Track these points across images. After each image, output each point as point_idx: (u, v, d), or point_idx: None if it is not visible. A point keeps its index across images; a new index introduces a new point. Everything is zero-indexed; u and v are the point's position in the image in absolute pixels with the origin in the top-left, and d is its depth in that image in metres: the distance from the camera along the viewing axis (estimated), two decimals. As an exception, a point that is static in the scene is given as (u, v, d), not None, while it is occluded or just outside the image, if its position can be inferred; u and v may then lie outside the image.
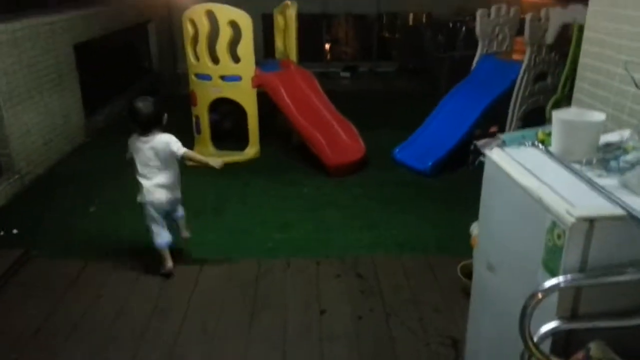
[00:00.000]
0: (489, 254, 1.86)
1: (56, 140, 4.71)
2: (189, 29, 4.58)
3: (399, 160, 4.67)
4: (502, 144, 2.17)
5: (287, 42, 5.07)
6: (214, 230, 3.58)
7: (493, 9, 4.77)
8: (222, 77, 4.61)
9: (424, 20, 8.80)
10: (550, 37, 4.40)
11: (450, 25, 7.46)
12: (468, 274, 2.72)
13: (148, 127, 2.99)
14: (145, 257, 3.14)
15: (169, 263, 3.00)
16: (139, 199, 3.02)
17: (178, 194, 3.12)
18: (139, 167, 3.01)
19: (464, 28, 7.24)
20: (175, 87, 7.88)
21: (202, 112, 4.79)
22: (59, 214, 3.77)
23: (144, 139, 2.98)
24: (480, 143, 2.26)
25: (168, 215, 3.11)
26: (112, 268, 3.08)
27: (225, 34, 4.45)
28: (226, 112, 5.19)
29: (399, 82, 7.98)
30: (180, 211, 3.23)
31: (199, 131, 4.90)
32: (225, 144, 4.94)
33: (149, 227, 3.02)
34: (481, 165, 2.26)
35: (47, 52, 4.56)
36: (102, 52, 5.98)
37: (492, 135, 4.55)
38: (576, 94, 3.13)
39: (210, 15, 4.47)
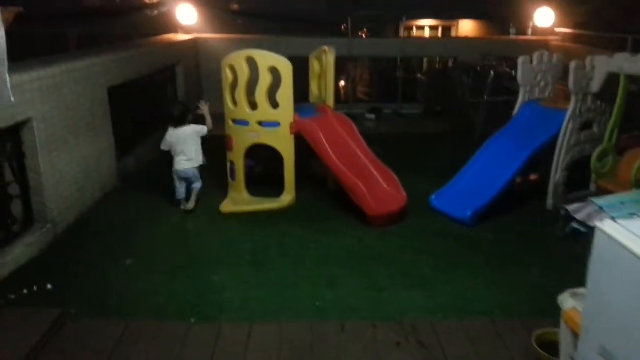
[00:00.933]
0: (604, 339, 1.66)
1: (88, 187, 4.60)
2: (228, 75, 4.53)
3: (435, 207, 4.51)
4: (600, 211, 2.01)
5: (324, 87, 5.00)
6: (256, 286, 3.40)
7: (535, 56, 4.70)
8: (260, 123, 4.52)
9: (449, 64, 8.80)
10: (596, 86, 4.30)
11: (479, 69, 7.43)
12: (544, 344, 2.50)
13: (179, 122, 4.52)
14: (186, 319, 2.97)
15: (186, 205, 4.56)
16: (172, 169, 4.54)
17: (197, 165, 4.56)
18: (172, 148, 4.51)
19: (492, 73, 7.19)
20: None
21: (237, 158, 4.68)
22: (94, 267, 3.61)
23: (176, 129, 4.50)
24: (572, 208, 2.11)
25: (189, 185, 4.59)
26: (156, 331, 2.89)
27: (265, 79, 4.39)
28: (261, 158, 5.08)
29: (425, 125, 7.90)
30: (197, 184, 4.62)
31: (233, 177, 4.78)
32: (259, 190, 4.81)
33: (174, 186, 4.58)
34: (574, 232, 2.10)
35: (83, 96, 4.51)
36: (133, 94, 5.96)
37: (534, 183, 4.36)
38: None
39: (250, 62, 4.42)
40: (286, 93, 4.42)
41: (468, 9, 17.98)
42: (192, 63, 8.22)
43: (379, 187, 4.43)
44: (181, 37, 8.11)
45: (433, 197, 4.62)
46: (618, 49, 6.45)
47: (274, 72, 4.39)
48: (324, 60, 4.92)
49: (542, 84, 4.80)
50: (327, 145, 4.39)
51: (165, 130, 4.54)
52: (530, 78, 4.76)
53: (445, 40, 11.60)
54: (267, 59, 4.37)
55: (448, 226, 4.27)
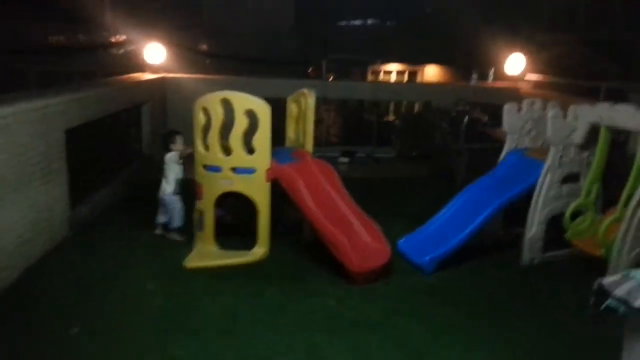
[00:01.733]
0: None
1: (37, 239, 4.10)
2: (200, 118, 4.20)
3: (401, 251, 4.30)
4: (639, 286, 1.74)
5: (302, 131, 4.72)
6: (223, 361, 2.96)
7: (525, 104, 4.57)
8: (234, 169, 4.18)
9: (416, 108, 8.76)
10: (579, 137, 4.15)
11: (453, 114, 7.36)
12: None
13: (162, 147, 4.71)
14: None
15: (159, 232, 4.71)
16: None
17: (169, 192, 4.58)
18: None
19: (466, 117, 7.12)
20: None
21: (207, 207, 4.30)
22: (34, 336, 3.09)
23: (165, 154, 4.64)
24: (608, 283, 1.83)
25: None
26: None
27: (240, 123, 4.07)
28: (231, 206, 4.71)
29: (401, 169, 7.70)
30: (172, 222, 4.63)
31: (201, 227, 4.37)
32: (227, 242, 4.40)
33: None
34: (610, 310, 1.82)
35: (37, 138, 4.07)
36: (92, 135, 5.53)
37: (517, 237, 4.00)
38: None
39: (225, 104, 4.11)
40: (263, 137, 4.11)
41: (434, 55, 18.45)
42: (158, 103, 7.86)
43: (361, 240, 4.11)
44: (148, 76, 7.76)
45: (401, 241, 4.46)
46: (591, 96, 6.49)
47: (250, 115, 4.09)
48: (303, 103, 4.67)
49: (533, 133, 4.65)
50: (306, 194, 4.07)
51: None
52: (517, 126, 4.62)
53: (418, 85, 11.66)
54: (243, 101, 4.08)
55: (438, 284, 3.97)
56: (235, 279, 3.92)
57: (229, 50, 15.70)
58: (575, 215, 4.11)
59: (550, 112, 4.16)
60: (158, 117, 7.72)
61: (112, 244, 4.50)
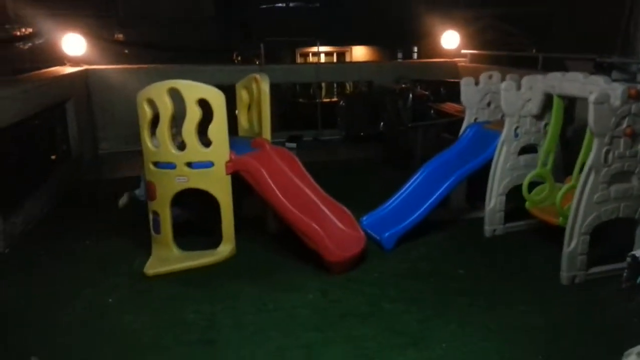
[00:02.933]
0: None
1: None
2: (146, 111, 3.79)
3: (364, 228, 4.22)
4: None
5: (257, 118, 4.44)
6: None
7: (482, 78, 4.55)
8: (190, 164, 3.83)
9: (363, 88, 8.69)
10: (535, 108, 4.19)
11: (397, 92, 7.32)
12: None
13: None
14: None
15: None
16: None
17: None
18: None
19: (410, 95, 7.12)
20: (97, 171, 6.85)
21: (162, 208, 3.92)
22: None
23: None
24: (643, 254, 1.76)
25: None
26: None
27: (193, 114, 3.72)
28: (187, 204, 4.35)
29: (350, 151, 7.60)
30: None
31: (158, 230, 4.00)
32: (189, 243, 4.07)
33: None
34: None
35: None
36: (14, 140, 4.90)
37: None
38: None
39: (174, 94, 3.74)
40: (220, 128, 3.79)
41: (360, 35, 18.53)
42: (83, 98, 7.18)
43: (335, 228, 3.94)
44: (69, 69, 7.05)
45: (364, 218, 4.40)
46: (528, 68, 6.68)
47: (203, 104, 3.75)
48: (255, 89, 4.37)
49: (492, 106, 4.66)
50: (272, 184, 3.81)
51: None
52: (475, 100, 4.61)
53: (360, 64, 11.61)
54: (194, 90, 3.72)
55: (414, 265, 3.89)
56: (206, 282, 3.62)
57: (148, 39, 14.82)
58: (534, 185, 4.15)
59: (503, 84, 4.16)
60: (84, 112, 7.07)
61: (56, 258, 4.03)
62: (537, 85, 4.12)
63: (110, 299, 3.46)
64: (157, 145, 3.83)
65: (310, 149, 7.72)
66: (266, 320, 3.16)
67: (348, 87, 9.90)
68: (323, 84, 9.72)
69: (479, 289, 3.51)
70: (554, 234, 3.73)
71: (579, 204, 3.44)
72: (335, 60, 18.73)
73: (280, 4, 20.50)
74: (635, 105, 3.34)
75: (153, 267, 3.83)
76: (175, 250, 3.99)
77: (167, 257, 3.94)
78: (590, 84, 3.60)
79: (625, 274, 1.76)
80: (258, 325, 3.10)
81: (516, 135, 4.20)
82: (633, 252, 1.74)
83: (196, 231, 4.29)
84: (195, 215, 4.34)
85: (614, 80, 3.92)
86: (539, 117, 4.21)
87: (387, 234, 4.13)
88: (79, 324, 3.17)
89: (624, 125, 3.36)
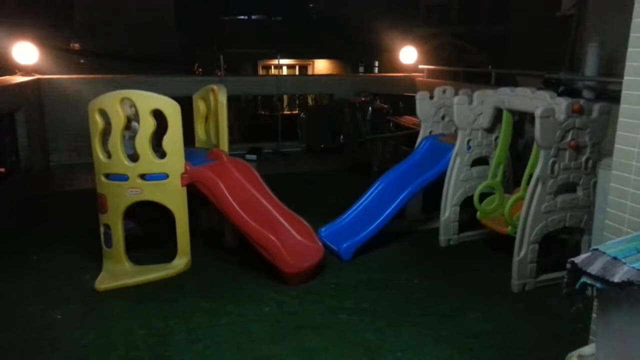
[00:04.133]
0: None
1: None
2: (97, 121, 3.70)
3: (323, 239, 4.25)
4: (616, 261, 1.76)
5: (214, 129, 4.40)
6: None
7: (436, 92, 4.66)
8: (143, 176, 3.75)
9: (324, 101, 8.76)
10: (486, 122, 4.32)
11: (357, 105, 7.43)
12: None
13: None
14: None
15: None
16: None
17: None
18: None
19: (370, 108, 7.23)
20: (48, 183, 6.63)
21: (114, 221, 3.81)
22: None
23: None
24: (581, 261, 1.83)
25: None
26: None
27: (147, 125, 3.66)
28: (140, 217, 4.27)
29: (310, 163, 7.63)
30: None
31: (109, 244, 3.88)
32: (142, 257, 3.97)
33: None
34: (583, 287, 1.82)
35: None
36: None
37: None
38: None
39: (126, 105, 3.67)
40: (175, 139, 3.74)
41: (322, 49, 18.73)
42: (35, 108, 6.95)
43: (292, 239, 3.92)
44: (20, 78, 6.82)
45: (322, 229, 4.42)
46: (482, 83, 6.91)
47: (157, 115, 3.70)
48: (212, 100, 4.34)
49: (446, 119, 4.77)
50: (229, 196, 3.77)
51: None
52: (430, 113, 4.71)
53: (321, 77, 11.70)
54: (148, 100, 3.66)
55: (370, 275, 3.91)
56: (159, 296, 3.53)
57: (106, 49, 14.52)
58: (486, 196, 4.27)
59: (456, 99, 4.28)
60: (35, 123, 6.84)
61: (2, 272, 3.87)
62: (488, 99, 4.25)
63: (58, 314, 3.32)
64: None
65: (271, 161, 7.71)
66: (220, 334, 3.10)
67: (309, 100, 9.98)
68: (284, 97, 9.76)
69: (433, 298, 3.56)
70: (506, 243, 3.84)
71: (527, 213, 3.56)
72: (297, 72, 18.85)
73: (243, 17, 20.52)
74: (579, 119, 3.49)
75: (104, 282, 3.71)
76: (128, 265, 3.89)
77: (119, 272, 3.83)
78: (537, 99, 3.74)
79: (565, 280, 1.83)
80: (211, 339, 3.04)
81: (468, 147, 4.31)
82: (573, 259, 1.80)
83: (150, 244, 4.19)
84: (149, 229, 4.24)
85: (560, 96, 4.09)
86: (490, 130, 4.34)
87: (344, 245, 4.15)
88: (25, 341, 3.02)
89: (569, 138, 3.50)
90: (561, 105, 3.46)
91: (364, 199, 4.67)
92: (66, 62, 11.93)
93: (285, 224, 4.01)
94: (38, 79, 7.17)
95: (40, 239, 4.53)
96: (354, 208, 4.64)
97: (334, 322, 3.24)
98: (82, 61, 14.69)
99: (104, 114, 3.69)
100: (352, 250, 4.15)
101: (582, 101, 3.62)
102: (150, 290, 3.64)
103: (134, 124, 3.81)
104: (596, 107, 3.56)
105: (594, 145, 3.58)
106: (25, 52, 7.06)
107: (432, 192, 4.58)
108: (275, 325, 3.21)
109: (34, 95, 7.01)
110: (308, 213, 4.26)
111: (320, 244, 3.99)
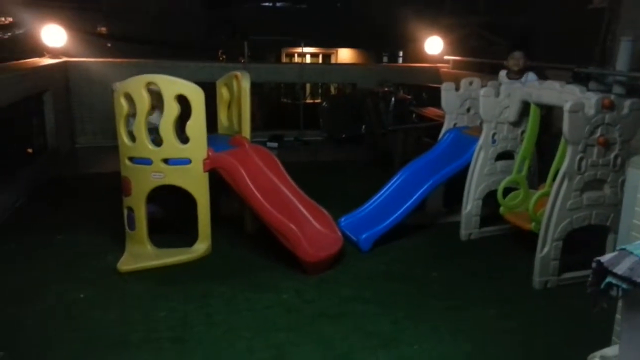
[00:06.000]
0: None
1: None
2: (123, 105, 3.74)
3: (343, 229, 4.24)
4: (641, 261, 1.71)
5: (237, 116, 4.41)
6: (184, 372, 2.66)
7: (463, 83, 4.59)
8: (166, 161, 3.79)
9: (347, 90, 8.71)
10: (512, 115, 4.23)
11: (380, 94, 7.36)
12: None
13: None
14: None
15: None
16: None
17: None
18: None
19: (393, 99, 7.16)
20: (74, 165, 6.74)
21: (137, 204, 3.87)
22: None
23: None
24: (607, 261, 1.79)
25: None
26: None
27: (171, 109, 3.69)
28: (163, 201, 4.31)
29: (332, 152, 7.62)
30: None
31: (132, 227, 3.94)
32: (164, 240, 4.02)
33: None
34: (608, 287, 1.78)
35: None
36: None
37: None
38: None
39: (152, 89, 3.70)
40: (198, 125, 3.76)
41: (346, 37, 18.58)
42: (62, 90, 7.06)
43: (312, 228, 3.93)
44: (48, 61, 6.93)
45: (342, 219, 4.41)
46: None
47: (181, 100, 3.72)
48: (235, 86, 4.35)
49: (471, 112, 4.70)
50: (250, 183, 3.79)
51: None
52: (455, 105, 4.65)
53: (345, 66, 11.64)
54: (173, 86, 3.69)
55: (389, 267, 3.90)
56: (179, 280, 3.58)
57: (132, 33, 14.64)
58: (510, 191, 4.20)
59: (482, 91, 4.20)
60: (62, 106, 6.96)
61: (28, 251, 3.96)
62: (515, 92, 4.17)
63: (81, 294, 3.40)
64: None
65: (292, 149, 7.72)
66: (238, 319, 3.13)
67: (332, 89, 9.93)
68: (307, 85, 9.73)
69: (452, 292, 3.54)
70: (528, 239, 3.78)
71: (552, 210, 3.49)
72: (320, 61, 18.75)
73: (267, 3, 20.45)
74: (609, 115, 3.40)
75: (126, 263, 3.78)
76: (150, 247, 3.94)
77: (141, 254, 3.89)
78: (566, 93, 3.66)
79: (590, 279, 1.79)
80: (229, 324, 3.07)
81: (494, 141, 4.24)
82: (599, 258, 1.76)
83: (172, 228, 4.24)
84: (171, 213, 4.29)
85: (590, 90, 3.99)
86: (516, 124, 4.26)
87: (364, 236, 4.14)
88: (47, 318, 3.11)
89: (598, 134, 3.42)
90: (591, 100, 3.37)
91: (384, 190, 4.64)
92: (93, 45, 12.06)
93: (306, 213, 4.02)
94: (66, 62, 7.28)
95: (65, 220, 4.62)
96: (374, 199, 4.62)
97: (351, 311, 3.25)
98: (109, 45, 14.86)
99: (129, 97, 3.73)
100: (372, 241, 4.14)
101: (612, 96, 3.53)
102: (172, 273, 3.70)
103: (151, 117, 3.83)
104: (627, 103, 3.46)
105: (624, 143, 3.49)
106: (54, 35, 7.17)
107: (454, 186, 4.53)
108: (293, 312, 3.23)
109: (62, 77, 7.12)
110: (328, 202, 4.26)
111: (339, 233, 3.99)
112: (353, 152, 7.32)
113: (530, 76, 4.80)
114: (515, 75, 4.82)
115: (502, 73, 4.96)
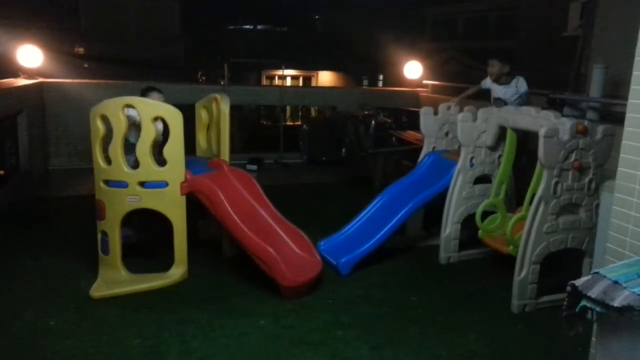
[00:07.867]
0: None
1: None
2: (99, 127, 3.68)
3: (322, 253, 4.22)
4: (616, 285, 1.72)
5: (215, 139, 4.38)
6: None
7: (441, 108, 4.65)
8: (142, 184, 3.72)
9: (327, 113, 8.76)
10: (489, 139, 4.29)
11: (360, 118, 7.42)
12: None
13: None
14: None
15: None
16: None
17: None
18: None
19: (373, 122, 7.22)
20: (47, 187, 6.59)
21: (111, 228, 3.78)
22: None
23: None
24: (581, 284, 1.79)
25: None
26: None
27: (149, 132, 3.64)
28: (137, 224, 4.23)
29: (312, 175, 7.60)
30: None
31: (106, 251, 3.84)
32: (138, 264, 3.93)
33: None
34: (583, 311, 1.78)
35: None
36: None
37: None
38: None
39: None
40: (176, 147, 3.71)
41: (326, 61, 18.81)
42: (37, 111, 6.94)
43: (291, 252, 3.88)
44: (23, 81, 6.82)
45: (321, 243, 4.41)
46: (487, 100, 6.88)
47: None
48: (215, 109, 4.33)
49: (450, 136, 4.76)
50: (228, 206, 3.74)
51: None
52: (434, 129, 4.70)
53: (325, 89, 11.73)
54: (151, 108, 3.65)
55: (368, 291, 3.86)
56: (154, 306, 3.48)
57: (109, 54, 14.58)
58: (488, 214, 4.23)
59: (460, 116, 4.26)
60: (37, 127, 6.83)
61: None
62: (492, 117, 4.24)
63: (52, 322, 3.27)
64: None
65: (272, 172, 7.68)
66: (214, 347, 3.05)
67: (312, 112, 9.98)
68: (287, 107, 9.78)
69: (431, 316, 3.51)
70: (507, 263, 3.79)
71: (529, 233, 3.52)
72: (301, 84, 18.89)
73: (248, 26, 20.62)
74: (583, 140, 3.47)
75: (99, 289, 3.67)
76: (124, 273, 3.84)
77: (115, 280, 3.79)
78: (541, 118, 3.73)
79: (565, 302, 1.79)
80: (205, 352, 2.99)
81: (471, 165, 4.28)
82: (573, 281, 1.77)
83: (147, 252, 4.15)
84: (148, 236, 4.20)
85: (564, 116, 4.08)
86: (494, 148, 4.32)
87: (343, 260, 4.11)
88: (16, 347, 2.98)
89: (572, 158, 3.48)
90: (565, 125, 3.44)
91: (364, 213, 4.64)
92: (70, 66, 11.96)
93: (284, 237, 3.97)
94: (41, 82, 7.17)
95: (36, 244, 4.49)
96: (354, 222, 4.61)
97: (330, 337, 3.19)
98: (86, 66, 14.76)
99: (105, 120, 3.67)
100: (351, 264, 4.11)
101: (586, 122, 3.61)
102: (146, 299, 3.60)
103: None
104: (600, 129, 3.54)
105: (597, 167, 3.56)
106: (30, 55, 7.07)
107: (433, 209, 4.55)
108: (271, 339, 3.16)
109: (37, 98, 7.01)
110: (307, 225, 4.23)
111: (318, 257, 3.95)
112: (333, 175, 7.33)
113: (521, 82, 4.97)
114: (505, 80, 5.07)
115: (487, 80, 5.24)
